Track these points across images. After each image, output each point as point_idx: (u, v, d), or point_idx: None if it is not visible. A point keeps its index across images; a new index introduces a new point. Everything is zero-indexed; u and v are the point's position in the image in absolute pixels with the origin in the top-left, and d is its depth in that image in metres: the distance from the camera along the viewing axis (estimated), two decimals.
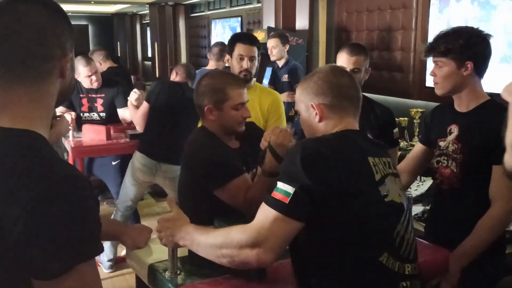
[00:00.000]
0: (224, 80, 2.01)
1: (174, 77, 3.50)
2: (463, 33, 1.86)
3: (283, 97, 3.56)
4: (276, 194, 1.31)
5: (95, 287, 0.89)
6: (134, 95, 3.50)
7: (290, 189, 1.28)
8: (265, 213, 1.32)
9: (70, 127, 3.30)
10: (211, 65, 4.26)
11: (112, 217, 3.53)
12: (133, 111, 3.51)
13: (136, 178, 3.38)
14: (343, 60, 2.40)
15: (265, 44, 4.35)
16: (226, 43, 2.94)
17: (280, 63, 4.45)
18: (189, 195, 2.04)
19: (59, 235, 0.82)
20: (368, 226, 1.35)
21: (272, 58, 4.44)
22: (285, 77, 4.38)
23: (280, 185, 1.31)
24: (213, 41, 8.03)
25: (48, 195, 0.82)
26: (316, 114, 1.47)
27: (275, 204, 1.30)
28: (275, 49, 4.37)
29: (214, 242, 1.38)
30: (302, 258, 1.40)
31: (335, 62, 2.51)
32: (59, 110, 3.62)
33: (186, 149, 2.07)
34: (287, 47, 4.46)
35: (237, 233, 1.34)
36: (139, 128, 3.49)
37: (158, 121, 3.34)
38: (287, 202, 1.28)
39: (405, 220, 1.43)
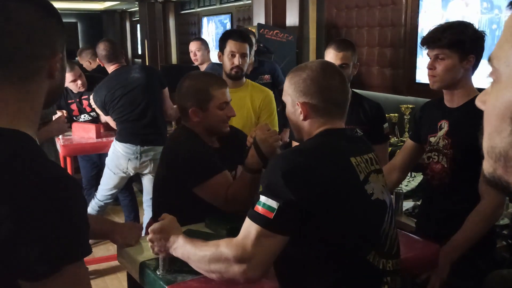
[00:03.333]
0: (206, 80, 2.00)
1: (102, 65, 3.58)
2: (469, 27, 1.87)
3: None
4: (259, 209, 1.28)
5: (84, 287, 0.88)
6: (93, 102, 3.58)
7: (274, 204, 1.26)
8: (249, 229, 1.30)
9: (66, 127, 3.30)
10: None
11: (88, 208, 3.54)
12: (101, 114, 3.62)
13: (119, 166, 3.42)
14: (331, 56, 2.41)
15: (256, 41, 4.33)
16: (216, 40, 2.95)
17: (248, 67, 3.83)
18: (164, 191, 2.04)
19: (47, 236, 0.81)
20: (357, 227, 1.35)
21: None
22: (265, 78, 3.81)
23: (263, 199, 1.28)
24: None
25: (36, 196, 0.81)
26: (301, 112, 1.44)
27: (259, 219, 1.28)
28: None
29: (204, 257, 1.38)
30: (287, 262, 1.39)
31: (324, 58, 2.51)
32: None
33: (166, 146, 2.09)
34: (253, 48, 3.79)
35: (225, 248, 1.33)
36: (114, 126, 3.57)
37: (121, 114, 3.42)
38: (271, 218, 1.26)
39: (389, 217, 1.44)
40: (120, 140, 3.42)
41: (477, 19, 3.08)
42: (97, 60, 5.01)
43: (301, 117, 1.45)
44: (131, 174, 3.51)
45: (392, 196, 2.08)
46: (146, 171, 3.48)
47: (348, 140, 1.48)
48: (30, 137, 0.91)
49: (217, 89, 1.97)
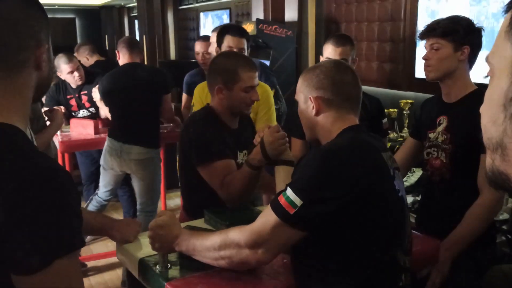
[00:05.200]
0: (237, 62, 2.02)
1: (119, 59, 3.53)
2: (464, 19, 1.90)
3: None
4: (282, 200, 1.28)
5: (76, 281, 0.88)
6: (96, 95, 3.56)
7: (298, 201, 1.25)
8: (267, 217, 1.31)
9: (63, 120, 3.29)
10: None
11: (88, 206, 3.53)
12: (102, 107, 3.61)
13: (106, 162, 3.41)
14: (329, 51, 2.40)
15: (254, 36, 4.32)
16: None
17: None
18: (183, 167, 2.10)
19: (39, 228, 0.80)
20: (388, 224, 1.35)
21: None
22: None
23: (289, 192, 1.28)
24: (202, 34, 7.98)
25: (28, 188, 0.81)
26: (313, 107, 1.45)
27: (279, 210, 1.28)
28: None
29: (212, 245, 1.38)
30: (311, 259, 1.37)
31: (323, 53, 2.50)
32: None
33: (185, 122, 2.14)
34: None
35: (237, 234, 1.34)
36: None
37: (116, 108, 3.42)
38: (291, 213, 1.26)
39: (407, 214, 1.45)
40: (109, 134, 3.44)
41: (467, 12, 3.10)
42: (95, 56, 5.02)
43: (313, 112, 1.45)
44: (119, 172, 3.45)
45: None
46: (129, 171, 3.42)
47: (371, 137, 1.48)
48: (20, 130, 0.91)
49: (246, 72, 1.99)
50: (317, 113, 1.45)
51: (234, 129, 2.08)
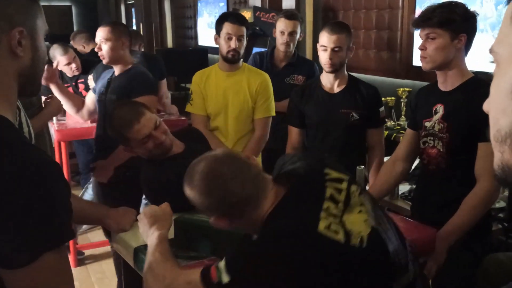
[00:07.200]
0: (119, 124, 1.99)
1: None
2: (459, 6, 1.85)
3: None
4: (212, 267, 1.21)
5: (65, 274, 0.87)
6: (92, 82, 3.51)
7: (225, 278, 1.17)
8: (196, 273, 1.25)
9: (61, 106, 3.24)
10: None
11: (83, 195, 3.52)
12: None
13: None
14: (324, 39, 2.38)
15: (251, 24, 4.28)
16: (213, 23, 2.88)
17: (283, 60, 3.24)
18: None
19: (27, 223, 0.79)
20: (372, 284, 1.22)
21: (283, 49, 3.17)
22: (298, 79, 3.20)
23: (222, 265, 1.19)
24: (199, 22, 7.92)
25: (15, 182, 0.79)
26: (225, 224, 1.32)
27: (205, 272, 1.22)
28: (295, 36, 3.16)
29: (163, 278, 1.32)
30: None
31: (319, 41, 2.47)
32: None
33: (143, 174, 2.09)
34: (302, 36, 3.35)
35: (176, 275, 1.30)
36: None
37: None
38: (214, 282, 1.19)
39: (389, 233, 1.29)
40: None
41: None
42: (91, 44, 4.99)
43: (234, 227, 1.35)
44: None
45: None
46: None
47: (304, 196, 1.28)
48: (7, 120, 0.88)
49: (131, 131, 1.95)
50: (238, 225, 1.34)
51: (181, 152, 2.07)
